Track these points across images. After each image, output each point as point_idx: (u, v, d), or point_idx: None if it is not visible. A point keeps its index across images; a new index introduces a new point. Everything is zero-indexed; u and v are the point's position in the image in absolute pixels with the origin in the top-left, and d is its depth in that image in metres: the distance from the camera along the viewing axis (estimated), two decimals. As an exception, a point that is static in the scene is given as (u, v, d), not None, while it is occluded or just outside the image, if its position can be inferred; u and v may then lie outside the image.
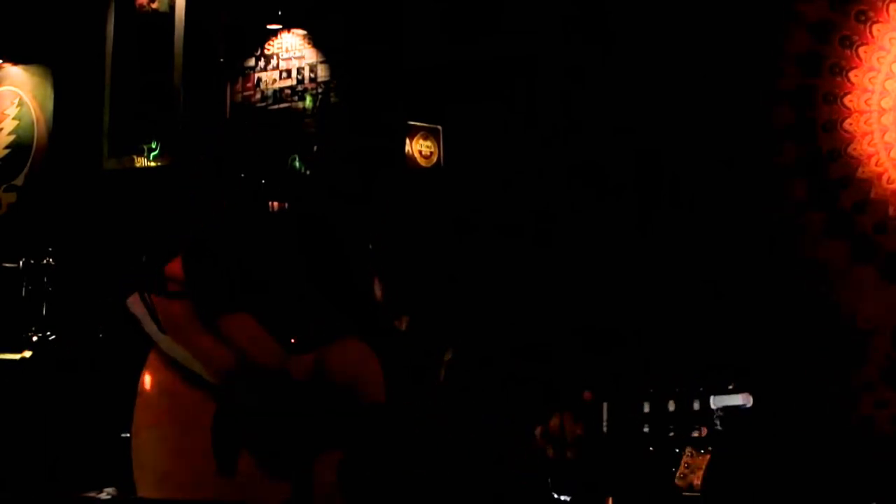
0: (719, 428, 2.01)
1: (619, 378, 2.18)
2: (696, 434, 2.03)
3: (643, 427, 2.07)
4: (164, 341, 2.50)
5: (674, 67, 4.09)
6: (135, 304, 2.35)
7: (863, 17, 3.82)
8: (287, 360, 2.46)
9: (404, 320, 2.43)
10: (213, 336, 2.51)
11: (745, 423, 2.02)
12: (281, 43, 5.32)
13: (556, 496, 2.23)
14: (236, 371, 2.45)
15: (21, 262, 4.99)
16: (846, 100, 3.85)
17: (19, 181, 6.02)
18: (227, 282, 2.55)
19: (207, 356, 2.47)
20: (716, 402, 2.02)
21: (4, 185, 6.06)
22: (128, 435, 2.56)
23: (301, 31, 5.25)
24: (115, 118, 5.70)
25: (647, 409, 2.07)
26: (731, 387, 2.02)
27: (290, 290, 2.52)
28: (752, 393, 2.00)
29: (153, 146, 5.49)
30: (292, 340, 2.48)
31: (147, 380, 2.60)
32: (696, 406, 2.03)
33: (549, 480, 2.23)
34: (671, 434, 2.04)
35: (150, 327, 2.52)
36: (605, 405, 2.12)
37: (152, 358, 2.60)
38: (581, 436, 2.08)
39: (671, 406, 2.05)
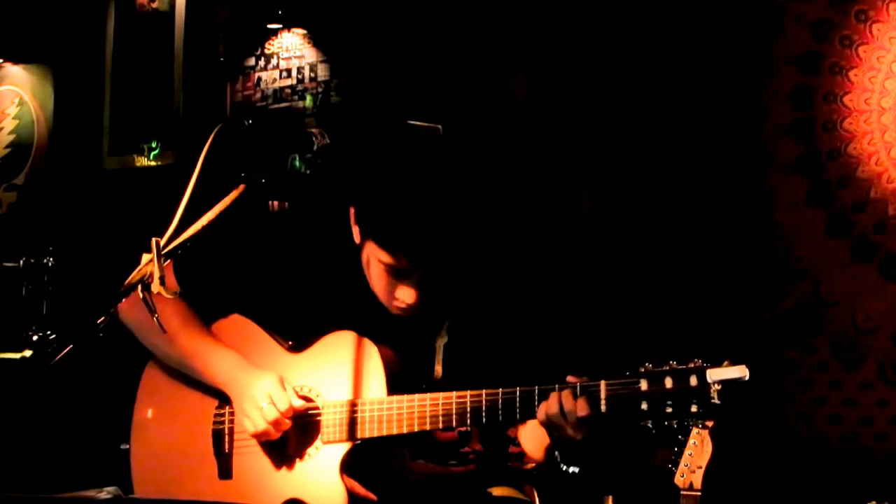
0: (717, 402, 2.02)
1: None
2: (693, 409, 2.04)
3: (641, 404, 2.07)
4: (161, 344, 2.49)
5: (674, 67, 4.09)
6: (128, 309, 2.34)
7: (862, 17, 3.82)
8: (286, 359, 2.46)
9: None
10: (212, 337, 2.51)
11: (743, 397, 2.03)
12: (281, 42, 5.32)
13: (564, 468, 2.24)
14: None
15: (21, 262, 4.99)
16: (846, 99, 3.84)
17: (19, 180, 6.02)
18: (225, 282, 2.55)
19: (206, 359, 2.47)
20: (712, 376, 2.03)
21: (4, 185, 6.06)
22: (127, 446, 2.56)
23: (301, 31, 5.25)
24: (115, 117, 5.70)
25: (644, 386, 2.08)
26: (726, 361, 2.04)
27: (289, 289, 2.52)
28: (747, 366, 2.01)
29: (153, 145, 5.49)
30: (290, 342, 2.49)
31: (146, 383, 2.60)
32: (693, 381, 2.04)
33: (557, 453, 2.25)
34: (669, 410, 2.05)
35: (147, 335, 2.52)
36: (603, 383, 2.12)
37: (151, 364, 2.59)
38: (585, 416, 2.08)
39: (668, 383, 2.06)
